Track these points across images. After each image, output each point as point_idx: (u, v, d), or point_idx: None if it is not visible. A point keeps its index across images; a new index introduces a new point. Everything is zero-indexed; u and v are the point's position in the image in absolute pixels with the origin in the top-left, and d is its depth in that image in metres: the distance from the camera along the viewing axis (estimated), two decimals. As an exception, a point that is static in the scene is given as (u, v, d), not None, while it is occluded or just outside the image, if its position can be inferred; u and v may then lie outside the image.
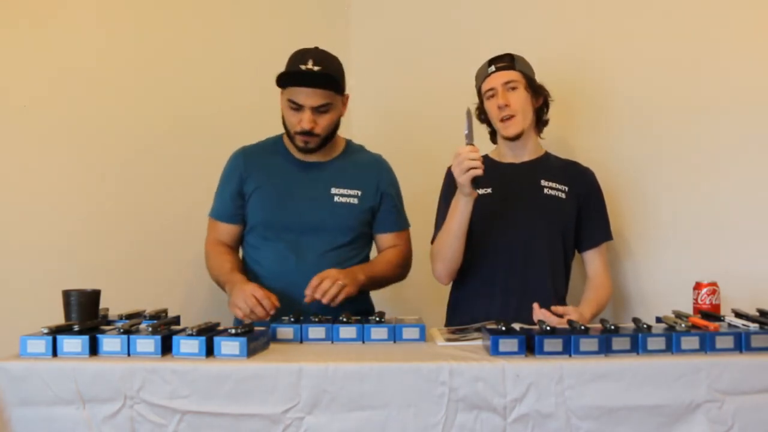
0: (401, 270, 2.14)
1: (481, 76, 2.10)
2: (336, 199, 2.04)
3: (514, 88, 2.03)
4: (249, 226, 2.07)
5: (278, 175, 2.06)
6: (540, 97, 2.10)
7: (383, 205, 2.11)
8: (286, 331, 1.67)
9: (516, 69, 2.04)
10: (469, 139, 1.80)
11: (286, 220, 2.02)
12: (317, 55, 1.98)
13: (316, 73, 1.94)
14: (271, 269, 2.02)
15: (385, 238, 2.14)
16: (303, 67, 1.94)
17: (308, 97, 1.95)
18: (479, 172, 1.78)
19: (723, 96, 2.02)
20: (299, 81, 1.95)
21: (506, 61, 2.06)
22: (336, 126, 2.05)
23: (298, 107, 1.96)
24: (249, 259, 2.09)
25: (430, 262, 2.05)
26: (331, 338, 1.66)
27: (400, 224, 2.16)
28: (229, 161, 2.12)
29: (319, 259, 2.00)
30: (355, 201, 2.06)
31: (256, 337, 1.52)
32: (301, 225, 2.02)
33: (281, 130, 2.09)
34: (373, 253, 2.20)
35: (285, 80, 1.96)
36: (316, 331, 1.67)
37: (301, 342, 1.66)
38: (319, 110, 1.97)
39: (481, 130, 2.18)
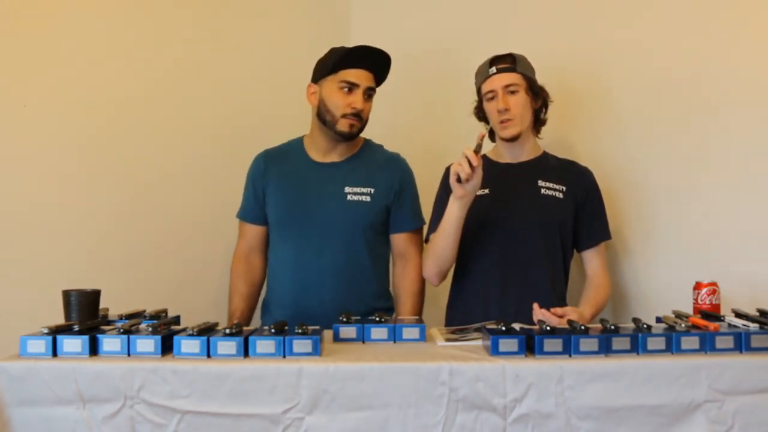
0: (424, 289, 2.16)
1: (482, 75, 2.08)
2: (349, 197, 2.05)
3: (514, 92, 2.02)
4: (269, 225, 2.13)
5: (294, 175, 2.10)
6: (539, 99, 2.09)
7: (397, 204, 2.11)
8: (267, 344, 1.46)
9: (517, 71, 2.03)
10: (478, 149, 1.81)
11: (300, 218, 2.05)
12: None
13: (381, 50, 2.03)
14: (288, 266, 2.06)
15: (397, 239, 2.14)
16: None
17: (365, 77, 2.02)
18: (461, 170, 1.78)
19: (723, 96, 2.02)
20: (370, 54, 2.01)
21: (508, 62, 2.04)
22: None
23: (351, 87, 2.00)
24: (271, 256, 2.15)
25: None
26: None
27: (414, 223, 2.15)
28: (252, 163, 2.17)
29: (334, 255, 2.03)
30: (367, 199, 2.06)
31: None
32: (315, 223, 2.04)
33: (279, 129, 2.10)
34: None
35: (354, 56, 2.00)
36: (301, 345, 1.46)
37: (284, 357, 1.46)
38: (368, 93, 2.03)
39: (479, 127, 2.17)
